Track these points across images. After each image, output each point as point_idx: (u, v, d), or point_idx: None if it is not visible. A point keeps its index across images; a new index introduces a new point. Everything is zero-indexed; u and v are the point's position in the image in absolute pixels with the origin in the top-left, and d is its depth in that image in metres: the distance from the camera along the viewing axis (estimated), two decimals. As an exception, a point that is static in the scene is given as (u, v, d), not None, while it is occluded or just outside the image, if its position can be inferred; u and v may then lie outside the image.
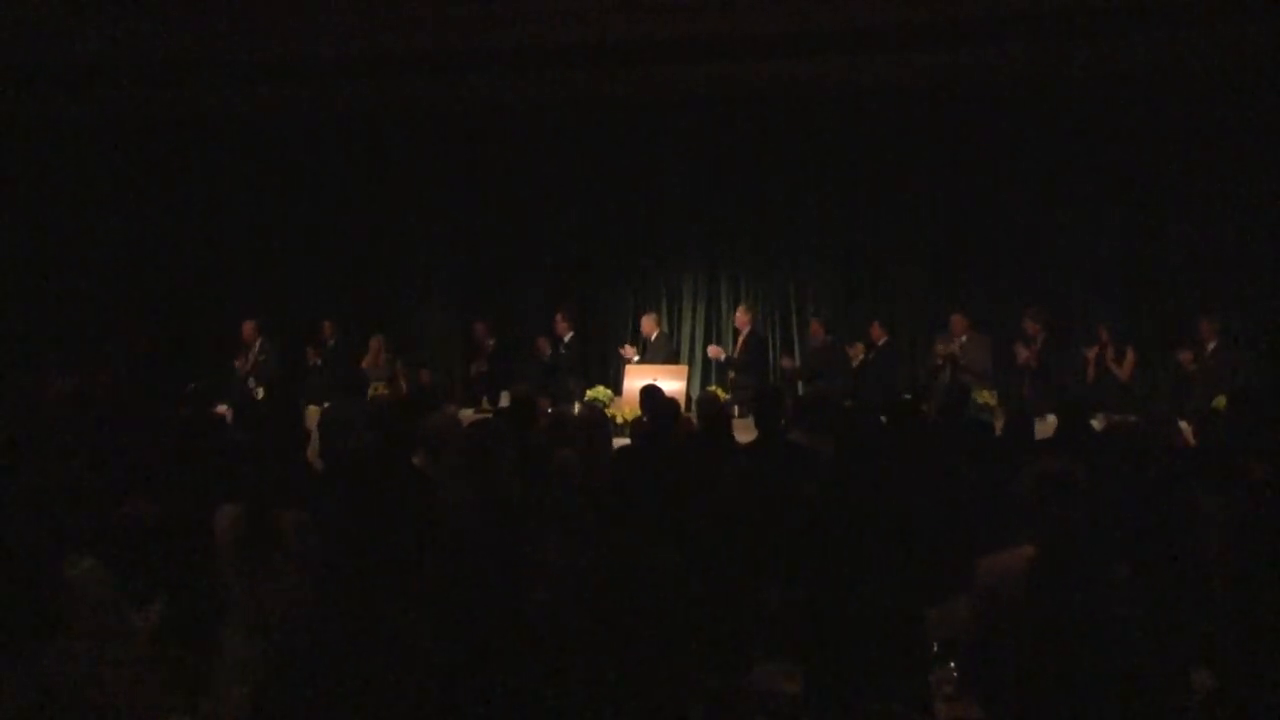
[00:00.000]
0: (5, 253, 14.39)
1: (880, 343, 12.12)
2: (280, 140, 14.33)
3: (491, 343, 12.75)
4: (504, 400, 10.66)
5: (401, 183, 14.38)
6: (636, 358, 12.16)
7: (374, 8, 10.49)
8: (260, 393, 11.74)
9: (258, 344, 12.59)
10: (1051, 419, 8.86)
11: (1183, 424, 8.16)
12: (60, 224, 14.56)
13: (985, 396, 10.56)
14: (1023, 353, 11.36)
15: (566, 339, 12.56)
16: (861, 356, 12.09)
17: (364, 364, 12.35)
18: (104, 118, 13.96)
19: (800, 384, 12.59)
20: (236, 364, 12.58)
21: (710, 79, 12.52)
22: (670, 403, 7.89)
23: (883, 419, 7.31)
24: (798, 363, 12.94)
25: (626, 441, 7.62)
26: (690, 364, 13.30)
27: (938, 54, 11.53)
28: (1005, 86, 12.57)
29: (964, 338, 11.60)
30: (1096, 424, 8.19)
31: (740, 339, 12.21)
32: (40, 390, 9.33)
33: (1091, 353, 11.30)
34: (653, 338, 12.39)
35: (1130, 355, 11.13)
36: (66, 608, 3.55)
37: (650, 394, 8.36)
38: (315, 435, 7.35)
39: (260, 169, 14.42)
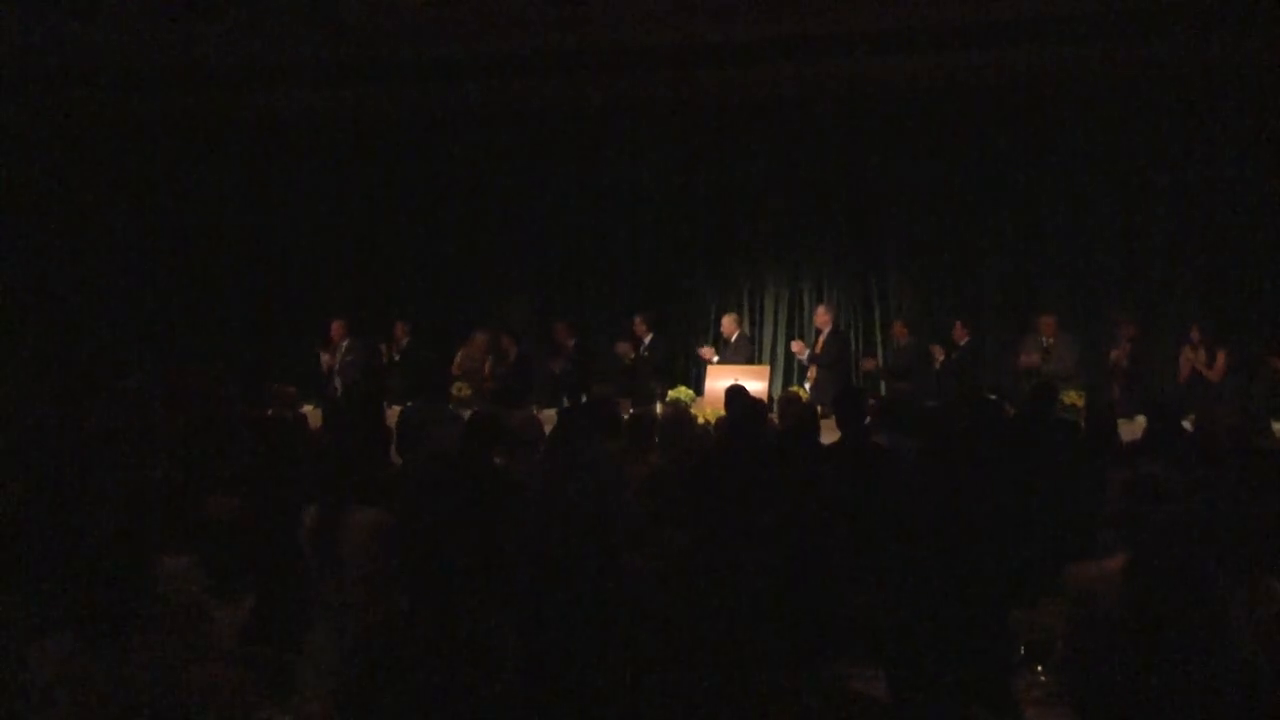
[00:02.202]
0: (95, 251, 14.70)
1: (963, 343, 11.98)
2: (364, 141, 14.48)
3: (572, 343, 12.78)
4: (585, 400, 10.69)
5: (483, 184, 14.47)
6: (715, 358, 12.13)
7: (454, 8, 10.54)
8: (341, 392, 11.91)
9: (345, 343, 12.75)
10: (1141, 420, 8.70)
11: (1277, 427, 8.01)
12: (150, 222, 14.85)
13: (1072, 397, 10.40)
14: (1114, 353, 11.17)
15: (646, 341, 12.56)
16: (943, 357, 11.95)
17: (458, 358, 12.44)
18: (192, 118, 14.20)
19: (883, 385, 12.49)
20: (323, 362, 12.74)
21: (792, 79, 12.45)
22: (756, 404, 7.86)
23: (966, 420, 7.22)
24: (880, 363, 12.84)
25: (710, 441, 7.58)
26: (771, 364, 13.25)
27: (1019, 51, 11.37)
28: (1092, 83, 12.36)
29: (1051, 339, 11.43)
30: (1187, 425, 8.03)
31: (821, 338, 12.13)
32: (128, 388, 9.48)
33: (1184, 353, 11.08)
34: (733, 338, 12.34)
35: (1222, 357, 10.90)
36: (156, 602, 3.61)
37: (736, 395, 8.33)
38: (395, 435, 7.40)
39: (344, 169, 14.60)
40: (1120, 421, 8.08)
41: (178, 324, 14.41)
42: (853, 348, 13.17)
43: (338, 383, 12.46)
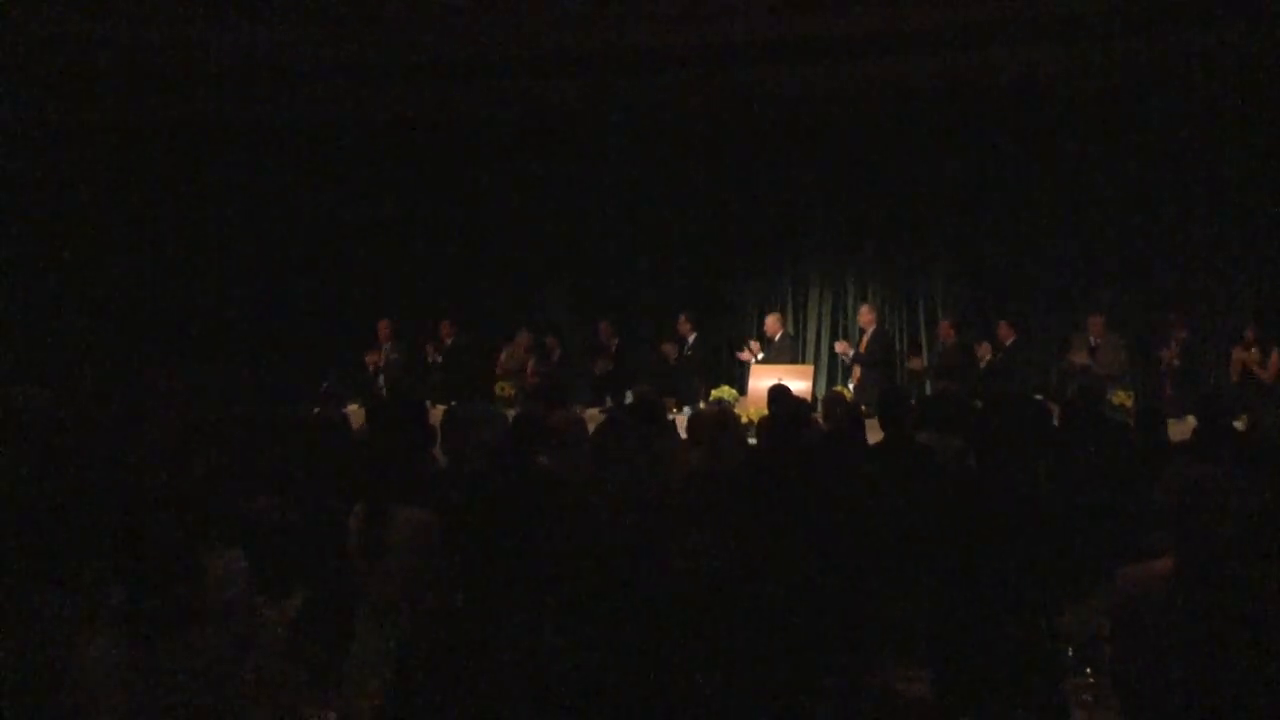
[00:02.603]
0: (141, 252, 14.86)
1: (1008, 343, 11.90)
2: (409, 141, 14.56)
3: (615, 342, 12.80)
4: (628, 399, 10.69)
5: (529, 184, 14.52)
6: (760, 355, 12.10)
7: (497, 7, 10.57)
8: (386, 391, 11.99)
9: (390, 343, 12.85)
10: (1191, 420, 8.62)
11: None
12: (195, 223, 15.00)
13: (1121, 397, 10.32)
14: (1165, 352, 11.06)
15: (690, 340, 12.57)
16: (989, 357, 11.88)
17: (502, 358, 12.49)
18: (239, 119, 14.33)
19: (928, 384, 12.43)
20: (369, 361, 12.84)
21: (837, 78, 12.41)
22: (799, 403, 7.83)
23: (1012, 420, 7.16)
24: (926, 363, 12.78)
25: (753, 441, 7.57)
26: (815, 364, 13.22)
27: (1066, 48, 11.28)
28: (1142, 80, 12.23)
29: (1099, 338, 11.33)
30: (1239, 426, 7.95)
31: (865, 338, 12.09)
32: (173, 387, 9.57)
33: (1236, 353, 10.96)
34: (776, 338, 12.32)
35: (1276, 357, 10.77)
36: (205, 600, 3.64)
37: (779, 394, 8.30)
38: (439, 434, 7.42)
39: (389, 169, 14.70)
40: (1170, 421, 8.01)
41: (223, 325, 14.54)
42: (897, 347, 13.11)
43: (382, 382, 12.56)
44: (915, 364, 12.79)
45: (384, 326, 12.96)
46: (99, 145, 14.59)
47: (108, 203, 14.82)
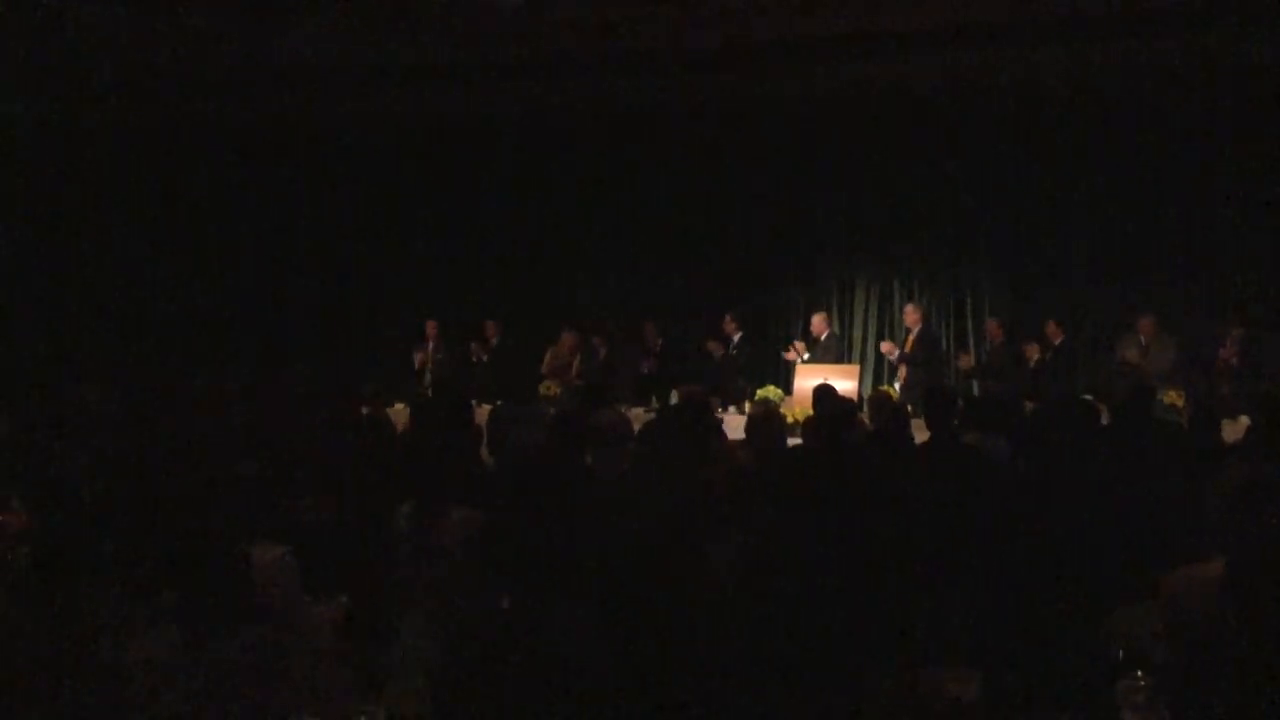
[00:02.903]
0: (186, 252, 15.01)
1: (1057, 342, 11.79)
2: (455, 141, 14.60)
3: (660, 342, 12.81)
4: (673, 399, 10.69)
5: (573, 183, 14.54)
6: (805, 355, 12.07)
7: (545, 8, 10.59)
8: (431, 391, 12.05)
9: (434, 342, 12.93)
10: (1245, 420, 8.50)
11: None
12: (241, 223, 15.13)
13: (1172, 397, 10.20)
14: (1222, 351, 10.92)
15: (736, 339, 12.55)
16: (1038, 356, 11.77)
17: (547, 358, 12.52)
18: (284, 120, 14.44)
19: (975, 384, 12.34)
20: (417, 361, 12.92)
21: (882, 77, 12.35)
22: (845, 402, 7.80)
23: (1061, 421, 7.10)
24: (974, 362, 12.69)
25: (799, 441, 7.55)
26: (861, 363, 13.16)
27: (1116, 46, 11.17)
28: (1194, 80, 12.08)
29: (1148, 339, 11.22)
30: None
31: (910, 337, 12.02)
32: (223, 388, 9.65)
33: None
34: (822, 337, 12.29)
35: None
36: (254, 597, 3.67)
37: (824, 394, 8.27)
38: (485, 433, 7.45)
39: (436, 169, 14.76)
40: (1225, 422, 7.91)
41: (273, 326, 14.66)
42: (944, 346, 13.03)
43: (428, 381, 12.63)
44: (963, 363, 12.71)
45: (431, 327, 13.06)
46: (150, 147, 14.75)
47: (163, 205, 14.98)
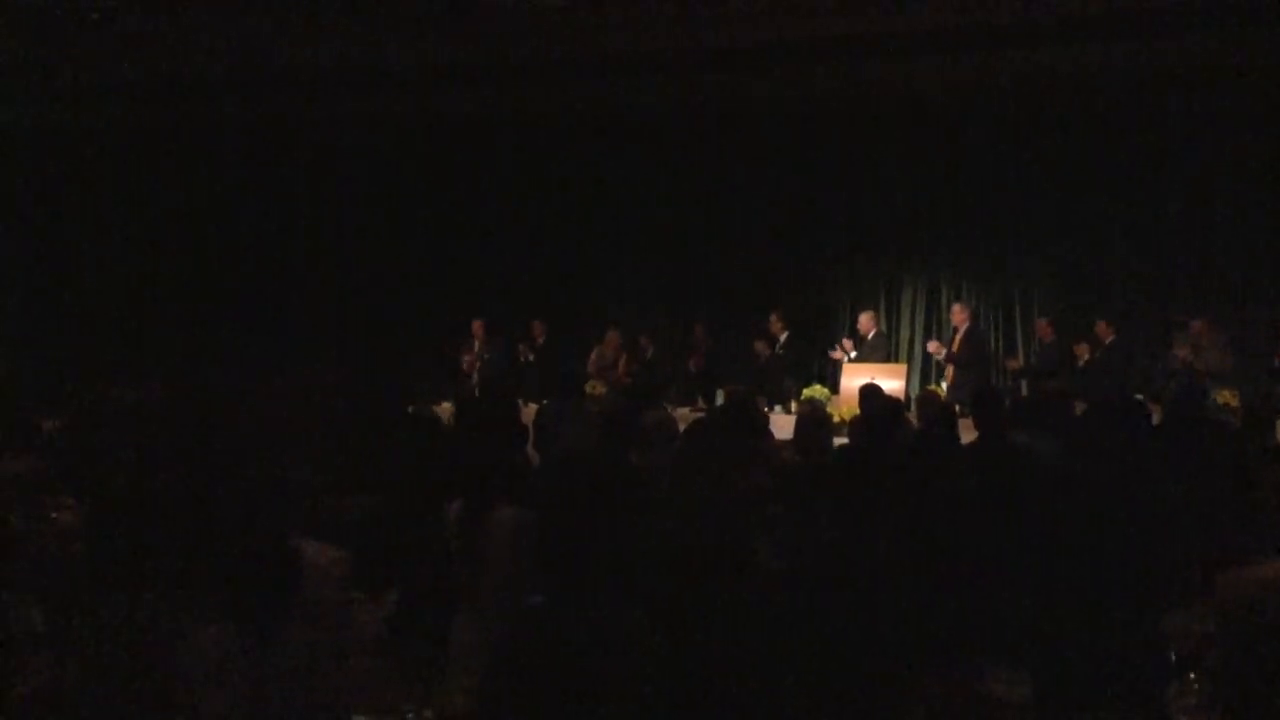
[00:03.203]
0: (242, 253, 15.15)
1: (1108, 341, 11.68)
2: (501, 142, 14.67)
3: (707, 341, 12.83)
4: (719, 399, 10.68)
5: (619, 183, 14.56)
6: (852, 354, 12.03)
7: (589, 8, 10.60)
8: (478, 390, 12.10)
9: (481, 342, 12.99)
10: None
11: None
12: (287, 224, 15.25)
13: (1225, 397, 10.08)
14: (1278, 351, 10.79)
15: (782, 339, 12.53)
16: (1088, 356, 11.67)
17: (593, 357, 12.55)
18: (330, 121, 14.54)
19: (1025, 384, 12.26)
20: (464, 361, 12.98)
21: (929, 76, 12.27)
22: (892, 402, 7.77)
23: (1112, 421, 7.04)
24: (1023, 362, 12.60)
25: (845, 440, 7.52)
26: (909, 363, 13.09)
27: (1161, 43, 11.04)
28: (1239, 74, 11.92)
29: (1200, 339, 11.09)
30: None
31: (958, 336, 11.95)
32: (273, 386, 9.73)
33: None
34: (869, 336, 12.24)
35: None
36: (305, 596, 3.69)
37: (871, 393, 8.25)
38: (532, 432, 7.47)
39: (481, 169, 14.83)
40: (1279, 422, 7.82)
41: (322, 325, 14.77)
42: (991, 346, 12.95)
43: (476, 380, 12.69)
44: (1012, 364, 12.62)
45: (477, 327, 13.12)
46: (199, 149, 14.91)
47: (212, 206, 15.13)
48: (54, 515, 5.30)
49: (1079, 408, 8.55)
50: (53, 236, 15.45)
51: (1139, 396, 9.92)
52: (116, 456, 6.20)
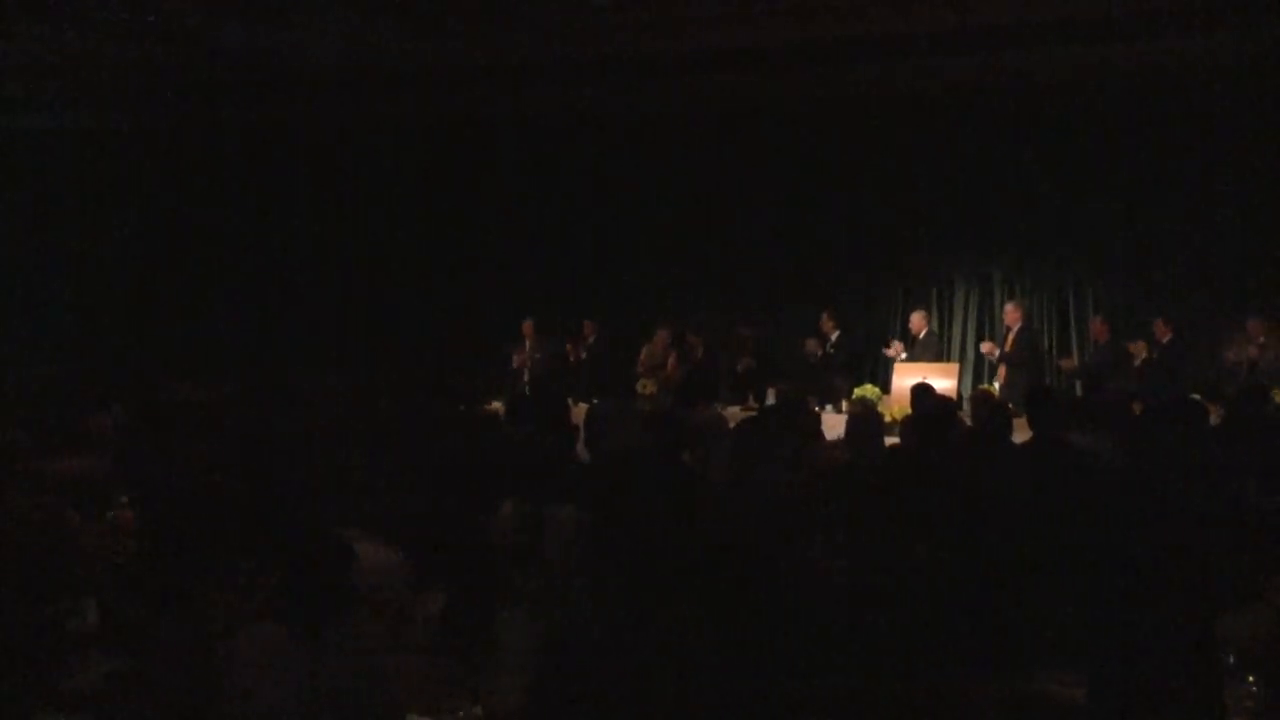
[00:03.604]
0: (295, 252, 15.28)
1: (1165, 340, 11.53)
2: (554, 141, 14.71)
3: (754, 342, 12.80)
4: (770, 398, 10.65)
5: (671, 182, 14.54)
6: (904, 354, 11.96)
7: (643, 7, 10.59)
8: (528, 390, 12.15)
9: (531, 342, 13.04)
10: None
11: None
12: (343, 226, 15.36)
13: (1284, 396, 9.93)
14: None
15: (833, 338, 12.48)
16: (1144, 355, 11.53)
17: (642, 356, 12.56)
18: (391, 123, 14.64)
19: (1079, 384, 12.13)
20: (514, 360, 13.04)
21: (977, 71, 12.18)
22: (944, 401, 7.72)
23: (1169, 421, 6.96)
24: (1078, 362, 12.47)
25: (896, 440, 7.48)
26: (961, 362, 12.99)
27: (1219, 38, 10.88)
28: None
29: (1260, 338, 10.93)
30: None
31: (1010, 335, 11.85)
32: (326, 385, 9.81)
33: None
34: (921, 335, 12.18)
35: None
36: (356, 594, 3.71)
37: (923, 393, 8.19)
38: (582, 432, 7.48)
39: (534, 169, 14.88)
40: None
41: (373, 324, 14.88)
42: (1045, 345, 12.83)
43: (526, 380, 12.74)
44: (1066, 363, 12.49)
45: (529, 326, 13.18)
46: (259, 151, 15.05)
47: (268, 204, 15.26)
48: (109, 514, 5.36)
49: (1136, 408, 8.47)
50: (105, 236, 15.62)
51: (1196, 397, 9.79)
52: (172, 456, 6.27)
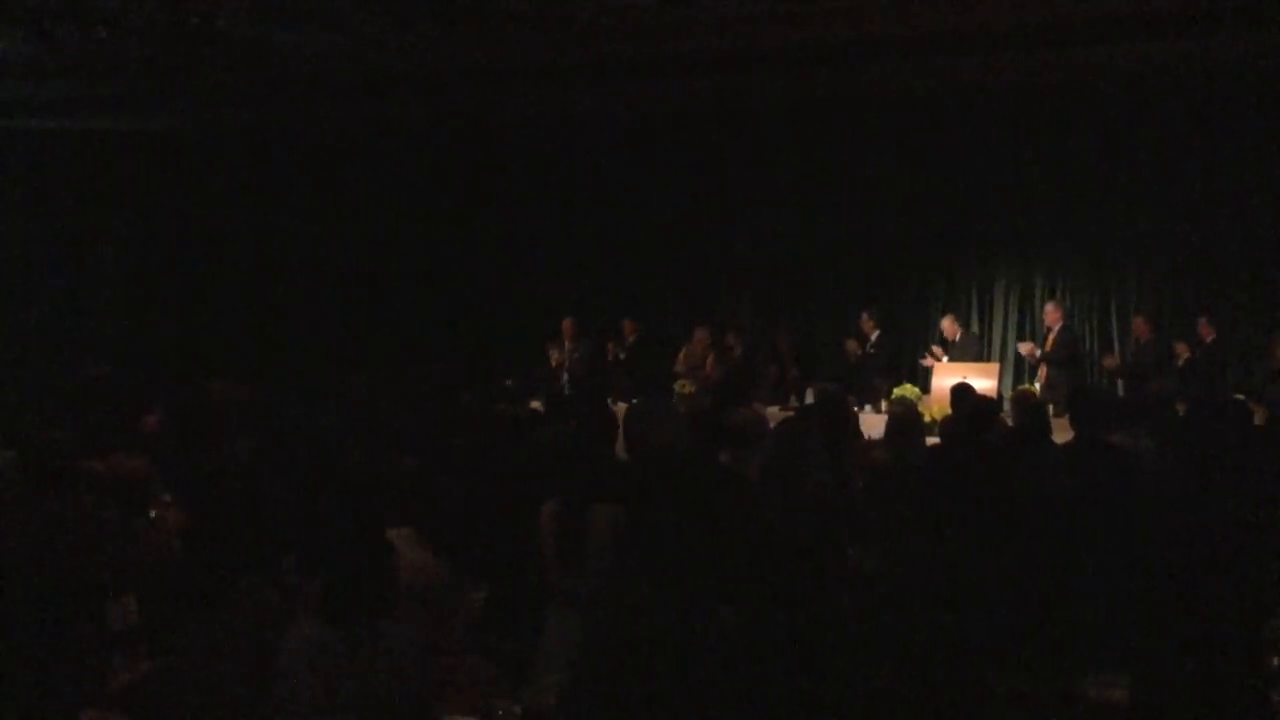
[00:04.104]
0: (341, 253, 15.37)
1: (1208, 340, 11.42)
2: (593, 141, 14.73)
3: (793, 346, 12.81)
4: (809, 398, 10.62)
5: (712, 182, 14.53)
6: (944, 359, 11.93)
7: (687, 6, 10.57)
8: (568, 389, 12.17)
9: (572, 341, 13.08)
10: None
11: None
12: (384, 224, 15.44)
13: (1329, 398, 9.82)
14: None
15: (873, 338, 12.46)
16: (1187, 355, 11.43)
17: (681, 355, 12.57)
18: (425, 124, 14.69)
19: (1121, 384, 12.04)
20: (553, 359, 13.08)
21: (1013, 71, 12.08)
22: (985, 401, 7.68)
23: (1213, 422, 6.90)
24: (1120, 361, 12.39)
25: (936, 440, 7.45)
26: (1001, 362, 12.92)
27: (1263, 35, 10.76)
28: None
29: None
30: None
31: (1051, 335, 11.78)
32: (367, 384, 9.85)
33: None
34: (956, 338, 12.14)
35: None
36: (400, 592, 3.74)
37: (962, 393, 8.15)
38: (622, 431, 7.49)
39: (572, 169, 14.92)
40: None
41: (415, 324, 14.95)
42: (1086, 345, 12.75)
43: (566, 379, 12.78)
44: (1109, 362, 12.40)
45: (568, 325, 13.20)
46: (295, 150, 15.14)
47: (307, 207, 15.34)
48: (154, 513, 5.42)
49: (1180, 408, 8.40)
50: (152, 236, 15.74)
51: (1240, 397, 9.70)
52: (216, 455, 6.32)
